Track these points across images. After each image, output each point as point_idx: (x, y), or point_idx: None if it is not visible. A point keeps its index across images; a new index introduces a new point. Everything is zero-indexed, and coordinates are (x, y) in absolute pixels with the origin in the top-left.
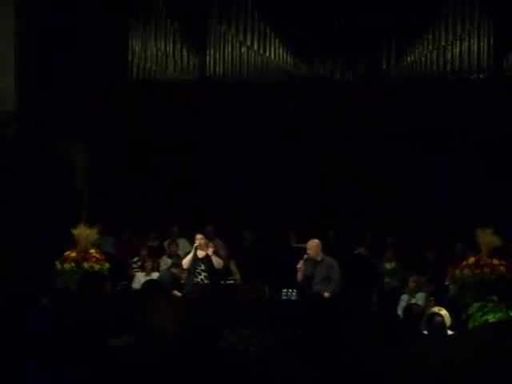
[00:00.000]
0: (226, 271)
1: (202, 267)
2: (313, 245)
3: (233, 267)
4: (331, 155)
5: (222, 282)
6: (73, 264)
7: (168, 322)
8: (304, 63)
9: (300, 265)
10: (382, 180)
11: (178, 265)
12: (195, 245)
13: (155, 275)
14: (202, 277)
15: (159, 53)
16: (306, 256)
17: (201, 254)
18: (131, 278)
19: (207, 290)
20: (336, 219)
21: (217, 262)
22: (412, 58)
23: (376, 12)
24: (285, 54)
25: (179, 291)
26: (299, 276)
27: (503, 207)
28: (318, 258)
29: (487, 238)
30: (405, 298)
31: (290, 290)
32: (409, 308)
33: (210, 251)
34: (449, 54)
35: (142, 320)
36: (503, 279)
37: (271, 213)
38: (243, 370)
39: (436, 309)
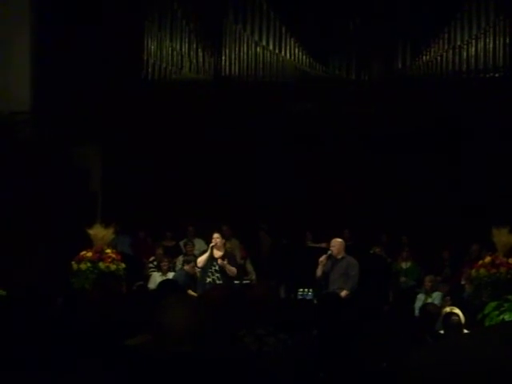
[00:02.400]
0: (241, 271)
1: (217, 267)
2: (336, 242)
3: (249, 267)
4: (347, 155)
5: (238, 282)
6: (89, 264)
7: (183, 321)
8: (319, 63)
9: (322, 258)
10: (398, 179)
11: (189, 261)
12: (212, 244)
13: (171, 275)
14: (215, 277)
15: (174, 53)
16: (329, 252)
17: (217, 253)
18: (147, 277)
19: (223, 290)
20: (352, 219)
21: (230, 270)
22: (427, 58)
23: (391, 11)
24: (300, 54)
25: (194, 291)
26: (319, 270)
27: None
28: (339, 256)
29: (503, 237)
30: (421, 297)
31: (306, 290)
32: (425, 307)
33: (222, 262)
34: (464, 54)
35: (158, 320)
36: None
37: (287, 212)
38: (258, 370)
39: (448, 308)
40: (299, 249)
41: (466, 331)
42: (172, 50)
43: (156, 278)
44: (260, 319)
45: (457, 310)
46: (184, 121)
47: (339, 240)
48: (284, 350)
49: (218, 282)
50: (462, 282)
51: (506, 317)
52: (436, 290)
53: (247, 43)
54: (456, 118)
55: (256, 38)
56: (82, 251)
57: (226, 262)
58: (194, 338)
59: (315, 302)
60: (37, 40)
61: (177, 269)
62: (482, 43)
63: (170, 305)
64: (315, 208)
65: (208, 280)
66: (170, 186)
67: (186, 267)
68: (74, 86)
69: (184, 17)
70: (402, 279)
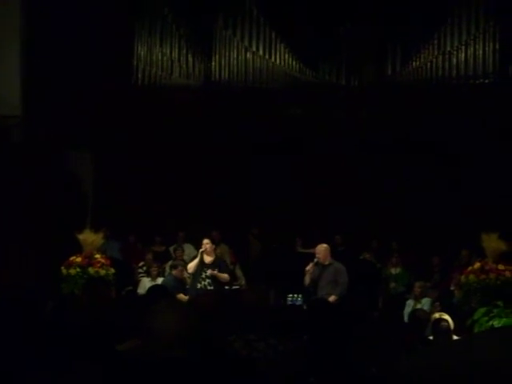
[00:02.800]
0: (231, 276)
1: (207, 273)
2: (321, 249)
3: (238, 272)
4: (337, 161)
5: (228, 287)
6: (78, 269)
7: (173, 327)
8: (309, 68)
9: (309, 267)
10: (388, 185)
11: (176, 266)
12: (201, 250)
13: (161, 280)
14: (206, 283)
15: (164, 58)
16: (316, 259)
17: (207, 259)
18: (137, 283)
19: (212, 295)
20: (342, 225)
21: (222, 277)
22: (417, 64)
23: (381, 17)
24: (290, 60)
25: (184, 295)
26: (306, 279)
27: (509, 212)
28: (326, 262)
29: (493, 243)
30: (410, 303)
31: (296, 295)
32: (414, 313)
33: (213, 272)
34: (454, 60)
35: (148, 325)
36: (509, 284)
37: (277, 218)
38: (249, 376)
39: (438, 314)
40: (289, 254)
41: (455, 337)
42: (162, 56)
43: (145, 284)
44: (250, 324)
45: (446, 316)
46: (174, 126)
47: (324, 246)
48: (274, 355)
49: (208, 287)
50: (452, 288)
51: (495, 323)
52: (425, 296)
53: (237, 49)
54: (446, 123)
55: (246, 43)
56: (71, 256)
57: (216, 272)
58: (183, 343)
59: (305, 307)
60: (27, 45)
61: (166, 274)
62: (472, 49)
63: (160, 310)
64: (304, 214)
65: (199, 286)
66: (160, 191)
67: (174, 272)
68: (65, 91)
69: (174, 22)
70: (392, 285)
